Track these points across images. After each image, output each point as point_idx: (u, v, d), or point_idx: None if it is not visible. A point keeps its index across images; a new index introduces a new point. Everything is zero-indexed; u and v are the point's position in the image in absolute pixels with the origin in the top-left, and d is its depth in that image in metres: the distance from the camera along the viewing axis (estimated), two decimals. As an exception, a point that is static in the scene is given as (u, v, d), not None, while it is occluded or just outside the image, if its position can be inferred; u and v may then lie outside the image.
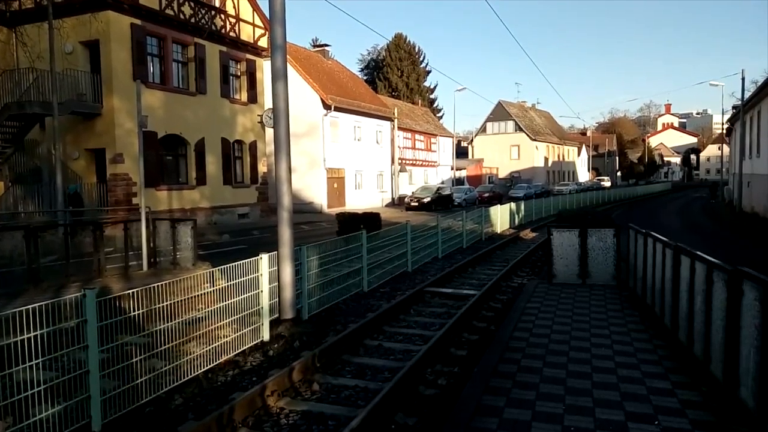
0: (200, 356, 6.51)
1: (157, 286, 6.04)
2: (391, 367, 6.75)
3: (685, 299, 6.32)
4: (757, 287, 4.38)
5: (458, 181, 49.96)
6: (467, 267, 14.08)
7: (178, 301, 6.41)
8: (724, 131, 48.91)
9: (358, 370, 6.71)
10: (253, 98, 27.74)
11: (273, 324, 7.98)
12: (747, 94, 31.10)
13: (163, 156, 22.66)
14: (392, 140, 41.84)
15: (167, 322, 6.16)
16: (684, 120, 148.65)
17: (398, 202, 40.17)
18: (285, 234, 8.11)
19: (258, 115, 27.98)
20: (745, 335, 4.56)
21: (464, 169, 57.42)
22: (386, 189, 41.14)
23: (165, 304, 6.09)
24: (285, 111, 8.25)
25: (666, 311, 7.26)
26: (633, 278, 9.57)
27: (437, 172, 49.82)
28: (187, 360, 6.31)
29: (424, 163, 47.80)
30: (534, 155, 65.69)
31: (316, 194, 33.31)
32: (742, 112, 30.82)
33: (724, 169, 50.83)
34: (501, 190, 47.25)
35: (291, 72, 33.38)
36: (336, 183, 34.83)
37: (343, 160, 35.31)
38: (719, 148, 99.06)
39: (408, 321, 8.99)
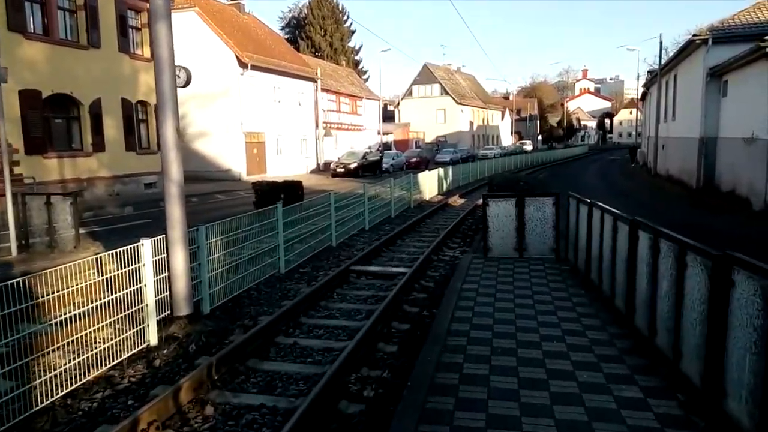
0: (62, 374, 5.05)
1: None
2: (308, 375, 5.56)
3: (646, 282, 5.51)
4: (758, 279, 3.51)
5: (385, 146, 48.85)
6: (396, 239, 13.05)
7: (37, 302, 4.92)
8: (639, 96, 50.53)
9: (266, 381, 5.47)
10: (158, 54, 24.94)
11: (164, 323, 6.56)
12: (663, 61, 31.70)
13: (51, 118, 19.81)
14: (316, 102, 39.83)
15: (14, 332, 4.66)
16: (599, 85, 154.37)
17: (324, 169, 38.53)
18: (174, 213, 6.62)
19: (165, 74, 25.27)
20: (742, 339, 3.71)
21: (391, 133, 56.30)
22: (311, 155, 39.31)
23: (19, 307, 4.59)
24: (169, 61, 6.66)
25: (618, 292, 6.50)
26: (575, 252, 8.85)
27: (364, 136, 48.40)
28: (43, 381, 4.84)
29: (350, 128, 46.18)
30: (459, 119, 65.54)
31: (234, 160, 31.08)
32: (659, 76, 31.42)
33: (636, 133, 52.80)
34: (428, 154, 46.65)
35: (202, 26, 30.59)
36: (256, 148, 32.66)
37: (263, 124, 33.10)
38: (631, 113, 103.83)
39: (330, 309, 7.81)
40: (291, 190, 16.68)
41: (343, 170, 33.17)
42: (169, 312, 6.66)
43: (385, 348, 6.25)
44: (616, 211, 6.61)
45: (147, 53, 24.40)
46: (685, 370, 4.57)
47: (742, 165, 18.25)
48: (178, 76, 25.22)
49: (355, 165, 33.49)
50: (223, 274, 7.84)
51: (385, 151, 42.15)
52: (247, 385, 5.37)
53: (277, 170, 32.88)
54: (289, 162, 35.63)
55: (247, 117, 31.49)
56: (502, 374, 4.83)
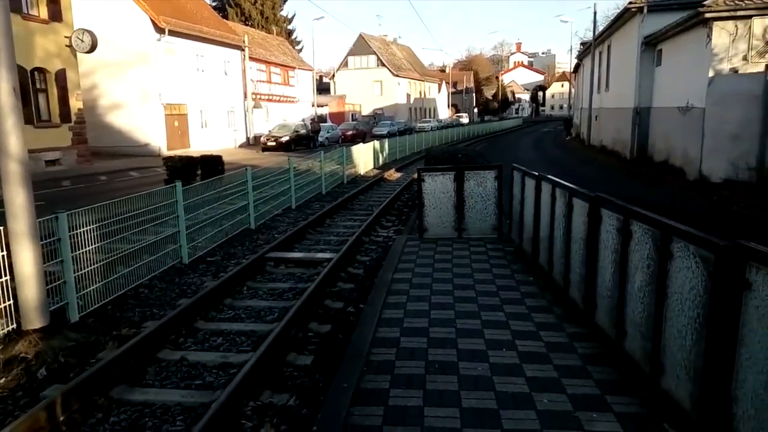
0: None
1: None
2: (191, 407, 4.25)
3: (611, 273, 4.53)
4: None
5: (320, 119, 46.92)
6: (325, 219, 11.76)
7: None
8: (572, 68, 50.89)
9: (132, 420, 4.12)
10: (56, 15, 22.03)
11: (7, 340, 5.04)
12: (597, 31, 31.52)
13: None
14: (243, 72, 37.33)
15: None
16: (532, 59, 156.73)
17: (254, 143, 36.31)
18: (16, 199, 5.05)
19: (66, 37, 22.44)
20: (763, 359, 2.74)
21: (326, 105, 54.29)
22: (239, 128, 36.96)
23: None
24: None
25: (573, 282, 5.53)
26: (519, 231, 7.88)
27: (297, 108, 46.23)
28: None
29: (282, 99, 43.89)
30: (396, 92, 64.22)
31: (153, 134, 28.51)
32: (593, 46, 31.24)
33: (568, 105, 53.36)
34: (364, 127, 45.24)
35: (110, -15, 27.53)
36: (177, 121, 30.13)
37: (185, 95, 30.54)
38: (563, 86, 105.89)
39: (236, 308, 6.47)
40: (209, 166, 14.96)
41: (274, 144, 31.27)
42: (14, 326, 5.13)
43: (297, 360, 5.02)
44: (572, 185, 5.60)
45: (43, 13, 21.59)
46: (671, 390, 3.61)
47: (676, 135, 18.06)
48: (81, 40, 22.75)
49: (287, 138, 31.65)
50: (101, 270, 6.33)
51: (320, 124, 40.38)
52: (103, 429, 4.00)
53: (201, 144, 30.57)
54: (216, 135, 33.27)
55: (167, 87, 28.89)
56: (440, 404, 3.71)
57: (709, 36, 14.79)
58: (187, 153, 20.67)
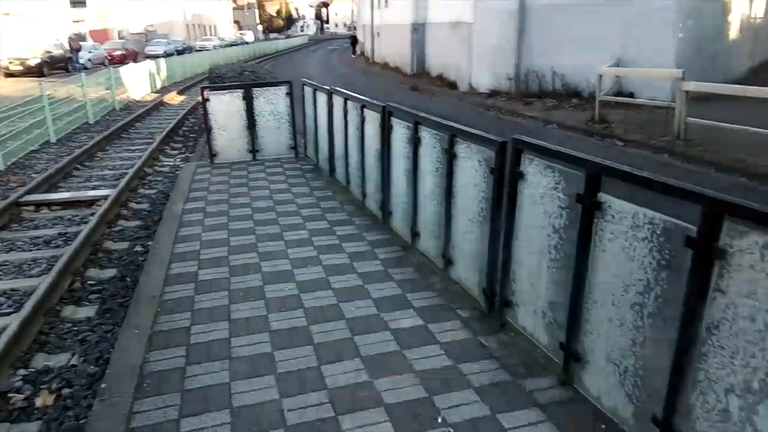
0: None
1: None
2: (-64, 392, 3.43)
3: (404, 181, 4.68)
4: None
5: (79, 37, 40.13)
6: (95, 151, 10.27)
7: None
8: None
9: None
10: None
11: None
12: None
13: None
14: (-39, -23, 29.69)
15: None
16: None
17: (-10, 68, 29.78)
18: None
19: None
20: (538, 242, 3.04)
21: (82, 21, 46.52)
22: (-33, 48, 29.83)
23: None
24: None
25: (369, 193, 5.66)
26: (315, 148, 7.78)
27: (43, 26, 38.73)
28: None
29: (20, 15, 36.24)
30: (170, 7, 57.66)
31: None
32: (372, -39, 31.34)
33: (351, 23, 53.82)
34: (136, 47, 40.04)
35: None
36: None
37: None
38: (346, 2, 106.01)
39: (-12, 265, 5.34)
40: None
41: (20, 68, 26.03)
42: None
43: (77, 314, 4.34)
44: (363, 97, 5.57)
45: None
46: (461, 280, 3.93)
47: (449, 50, 19.41)
48: None
49: (37, 61, 26.55)
50: None
51: (80, 43, 34.55)
52: None
53: None
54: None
55: None
56: (248, 331, 3.53)
57: (473, -47, 15.72)
58: None
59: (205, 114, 8.02)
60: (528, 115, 12.67)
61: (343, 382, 2.96)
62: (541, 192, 2.95)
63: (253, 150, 8.25)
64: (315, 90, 7.46)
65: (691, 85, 9.04)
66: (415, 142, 4.34)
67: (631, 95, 12.18)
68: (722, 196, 1.98)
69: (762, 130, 7.83)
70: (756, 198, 1.92)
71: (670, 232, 2.20)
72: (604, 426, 2.60)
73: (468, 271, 3.84)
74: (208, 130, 8.09)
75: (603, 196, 2.54)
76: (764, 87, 8.42)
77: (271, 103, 8.13)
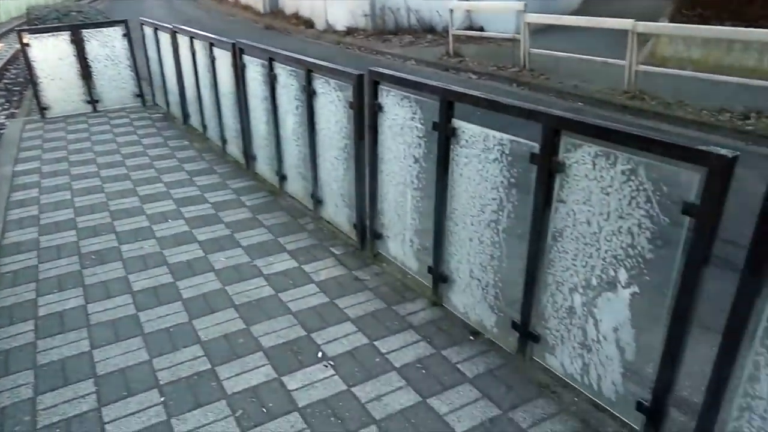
0: None
1: None
2: None
3: (264, 122, 4.49)
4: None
5: None
6: None
7: None
8: None
9: None
10: None
11: None
12: None
13: None
14: None
15: None
16: None
17: None
18: None
19: None
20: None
21: None
22: None
23: None
24: None
25: (229, 138, 5.38)
26: (165, 95, 7.17)
27: None
28: None
29: None
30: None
31: None
32: None
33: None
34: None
35: None
36: None
37: None
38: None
39: None
40: None
41: None
42: None
43: None
44: (211, 35, 5.17)
45: None
46: (332, 218, 3.94)
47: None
48: None
49: None
50: None
51: None
52: None
53: None
54: None
55: None
56: (107, 296, 3.26)
57: None
58: None
59: (28, 62, 7.00)
60: (387, 52, 12.72)
61: (218, 333, 2.87)
62: (400, 123, 2.98)
63: (92, 101, 7.41)
64: (156, 30, 6.79)
65: (533, 17, 9.59)
66: (271, 81, 4.15)
67: (482, 29, 12.68)
68: (559, 112, 2.13)
69: (594, 57, 8.60)
70: (590, 118, 2.10)
71: (516, 151, 2.35)
72: (472, 338, 2.81)
73: (338, 208, 3.84)
74: (33, 80, 7.09)
75: (457, 122, 2.63)
76: (595, 17, 9.19)
77: (107, 46, 7.29)
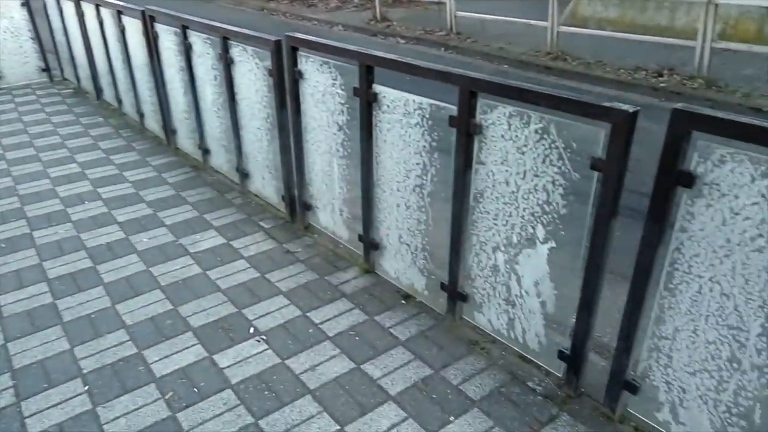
0: None
1: None
2: None
3: (181, 92, 4.29)
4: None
5: None
6: None
7: None
8: None
9: None
10: None
11: None
12: None
13: None
14: None
15: None
16: None
17: None
18: None
19: None
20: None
21: None
22: None
23: None
24: None
25: (146, 112, 5.11)
26: (74, 68, 6.69)
27: None
28: None
29: None
30: None
31: None
32: None
33: None
34: None
35: None
36: None
37: None
38: None
39: None
40: None
41: None
42: None
43: None
44: (117, 1, 4.84)
45: None
46: (260, 191, 3.85)
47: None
48: None
49: None
50: None
51: None
52: None
53: None
54: None
55: None
56: (18, 286, 3.07)
57: None
58: None
59: None
60: (313, 17, 12.40)
61: (143, 316, 2.77)
62: (322, 90, 2.92)
63: (-7, 77, 6.84)
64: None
65: (458, -20, 9.58)
66: (186, 50, 3.95)
67: (407, -8, 12.55)
68: (474, 74, 2.14)
69: (518, 19, 8.72)
70: (514, 81, 2.11)
71: (436, 115, 2.36)
72: (404, 302, 2.85)
73: (265, 181, 3.76)
74: None
75: (378, 88, 2.60)
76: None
77: (5, 17, 6.69)
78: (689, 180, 1.61)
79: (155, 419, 2.18)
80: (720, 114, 1.52)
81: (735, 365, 1.69)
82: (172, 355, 2.52)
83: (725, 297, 1.64)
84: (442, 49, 9.34)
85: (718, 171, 1.55)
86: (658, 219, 1.70)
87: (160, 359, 2.50)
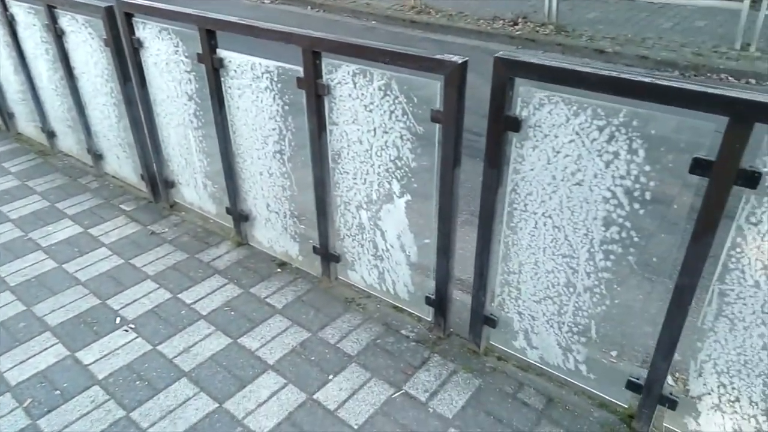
0: None
1: None
2: None
3: (11, 70, 3.83)
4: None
5: None
6: None
7: None
8: None
9: None
10: None
11: None
12: None
13: None
14: None
15: None
16: None
17: None
18: None
19: None
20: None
21: None
22: None
23: None
24: None
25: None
26: None
27: None
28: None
29: None
30: None
31: None
32: None
33: None
34: None
35: None
36: None
37: None
38: None
39: None
40: None
41: None
42: None
43: None
44: None
45: None
46: (116, 173, 3.58)
47: None
48: None
49: None
50: None
51: None
52: None
53: None
54: None
55: None
56: None
57: None
58: None
59: None
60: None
61: (-9, 322, 2.53)
62: (165, 59, 2.74)
63: None
64: None
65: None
66: (9, 21, 3.51)
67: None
68: (315, 33, 2.11)
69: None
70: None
71: (284, 77, 2.30)
72: (279, 270, 2.83)
73: (121, 160, 3.50)
74: None
75: (222, 53, 2.48)
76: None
77: None
78: (516, 124, 1.71)
79: (13, 430, 2.02)
80: (535, 60, 1.63)
81: (571, 289, 1.87)
82: (28, 359, 2.33)
83: (557, 229, 1.80)
84: (309, 7, 9.10)
85: (539, 114, 1.67)
86: (495, 163, 1.81)
87: (15, 366, 2.30)
